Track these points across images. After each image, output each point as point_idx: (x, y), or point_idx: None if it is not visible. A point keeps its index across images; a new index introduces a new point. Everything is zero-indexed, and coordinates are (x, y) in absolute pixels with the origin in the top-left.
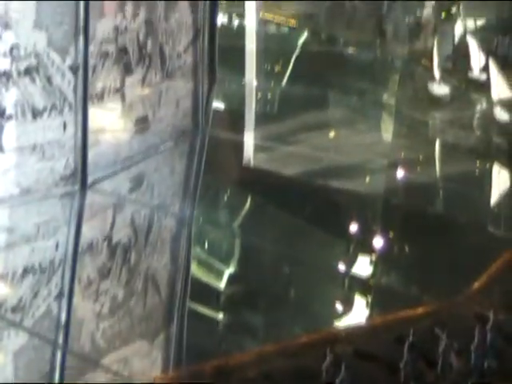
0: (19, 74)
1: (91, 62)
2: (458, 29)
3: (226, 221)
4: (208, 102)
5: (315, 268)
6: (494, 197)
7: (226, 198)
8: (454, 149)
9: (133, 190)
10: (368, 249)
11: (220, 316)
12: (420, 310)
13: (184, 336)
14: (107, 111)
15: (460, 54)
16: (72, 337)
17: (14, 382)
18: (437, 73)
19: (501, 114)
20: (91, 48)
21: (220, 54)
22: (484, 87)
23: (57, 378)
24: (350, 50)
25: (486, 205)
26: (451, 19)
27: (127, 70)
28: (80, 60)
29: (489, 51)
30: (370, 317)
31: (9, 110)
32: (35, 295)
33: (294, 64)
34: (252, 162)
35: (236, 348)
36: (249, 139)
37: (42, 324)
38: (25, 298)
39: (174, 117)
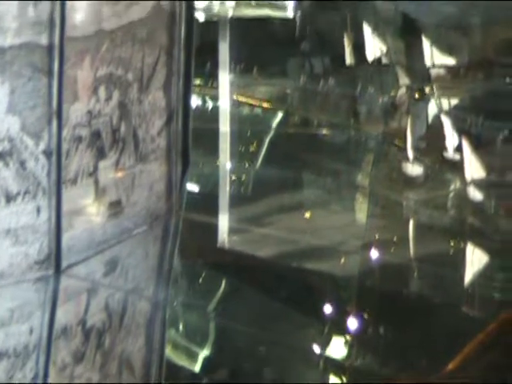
0: None
1: (64, 146)
2: (432, 109)
3: (200, 304)
4: (182, 185)
5: (291, 350)
6: (468, 277)
7: (200, 281)
8: (429, 229)
9: (107, 274)
10: (343, 330)
11: None
12: None
13: None
14: (81, 195)
15: (434, 134)
16: None
17: None
18: (410, 153)
19: (474, 194)
20: (64, 132)
21: (193, 136)
22: (458, 167)
23: None
24: (324, 132)
25: (461, 285)
26: (425, 99)
27: (100, 154)
28: (53, 144)
29: (462, 131)
30: None
31: None
32: (10, 379)
33: (267, 146)
34: (226, 245)
35: None
36: (223, 221)
37: None
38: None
39: (147, 200)
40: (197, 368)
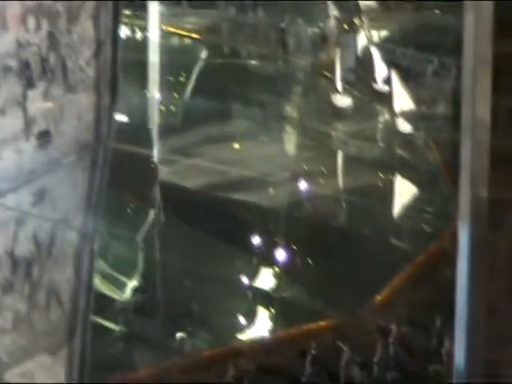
0: None
1: None
2: (361, 40)
3: (129, 234)
4: (110, 116)
5: (218, 281)
6: (397, 209)
7: (129, 212)
8: (358, 161)
9: (35, 204)
10: (271, 262)
11: (123, 329)
12: (323, 324)
13: (87, 350)
14: (9, 125)
15: (363, 66)
16: None
17: None
18: (339, 84)
19: (403, 126)
20: None
21: (122, 67)
22: (387, 99)
23: None
24: (253, 63)
25: (389, 217)
26: (354, 31)
27: (29, 84)
28: None
29: (392, 63)
30: (273, 331)
31: None
32: None
33: (197, 76)
34: (156, 174)
35: (139, 362)
36: (152, 152)
37: None
38: None
39: (76, 130)
40: (125, 298)
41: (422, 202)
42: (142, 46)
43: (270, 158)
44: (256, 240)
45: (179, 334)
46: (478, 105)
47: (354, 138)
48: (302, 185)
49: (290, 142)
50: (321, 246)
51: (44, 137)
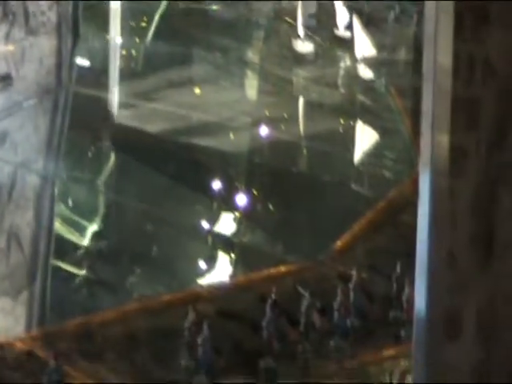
0: None
1: None
2: None
3: (89, 178)
4: (71, 60)
5: (178, 226)
6: (358, 155)
7: (90, 155)
8: (319, 106)
9: None
10: (232, 207)
11: (83, 273)
12: (283, 269)
13: (47, 294)
14: None
15: (325, 12)
16: None
17: None
18: (301, 30)
19: (364, 72)
20: None
21: (84, 11)
22: (348, 45)
23: None
24: (214, 7)
25: (350, 163)
26: None
27: None
28: None
29: (353, 8)
30: (233, 275)
31: None
32: None
33: (158, 21)
34: (116, 119)
35: (99, 306)
36: (113, 96)
37: None
38: None
39: (37, 74)
40: (85, 242)
41: (383, 149)
42: None
43: (231, 103)
44: (216, 185)
45: (138, 278)
46: (440, 51)
47: (315, 83)
48: (263, 130)
49: (251, 87)
50: (281, 192)
51: (5, 80)
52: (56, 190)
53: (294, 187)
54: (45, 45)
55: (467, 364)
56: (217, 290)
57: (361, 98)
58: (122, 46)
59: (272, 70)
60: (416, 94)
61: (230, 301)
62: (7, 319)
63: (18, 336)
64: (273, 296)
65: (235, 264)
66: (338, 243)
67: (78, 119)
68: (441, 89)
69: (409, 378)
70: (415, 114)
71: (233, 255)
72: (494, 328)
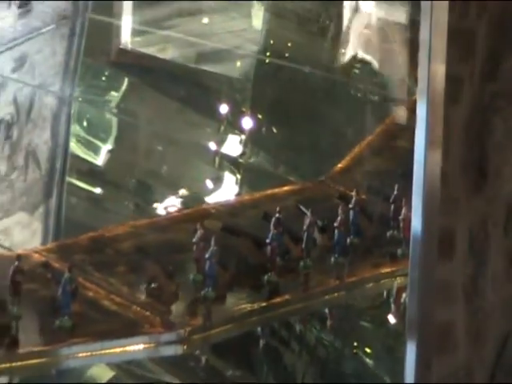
0: None
1: None
2: None
3: (103, 101)
4: None
5: (187, 146)
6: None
7: (104, 79)
8: (323, 35)
9: (16, 69)
10: (238, 130)
11: (96, 191)
12: (286, 189)
13: (63, 209)
14: None
15: None
16: None
17: None
18: None
19: (365, 4)
20: None
21: None
22: None
23: None
24: None
25: (350, 91)
26: None
27: None
28: None
29: None
30: (239, 194)
31: None
32: None
33: None
34: (129, 45)
35: (111, 222)
36: (126, 23)
37: None
38: None
39: (55, 1)
40: (99, 161)
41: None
42: None
43: (238, 32)
44: (223, 109)
45: (149, 195)
46: None
47: (319, 16)
48: (269, 57)
49: (257, 17)
50: (285, 116)
51: (25, 6)
52: (71, 111)
53: (298, 112)
54: None
55: (459, 280)
56: (223, 208)
57: (364, 31)
58: None
59: (277, 2)
60: (414, 27)
61: (236, 217)
62: (24, 233)
63: (35, 248)
64: (276, 214)
65: (241, 183)
66: (339, 165)
67: (93, 45)
68: (437, 22)
69: (404, 295)
70: (413, 47)
71: (238, 175)
72: (483, 247)
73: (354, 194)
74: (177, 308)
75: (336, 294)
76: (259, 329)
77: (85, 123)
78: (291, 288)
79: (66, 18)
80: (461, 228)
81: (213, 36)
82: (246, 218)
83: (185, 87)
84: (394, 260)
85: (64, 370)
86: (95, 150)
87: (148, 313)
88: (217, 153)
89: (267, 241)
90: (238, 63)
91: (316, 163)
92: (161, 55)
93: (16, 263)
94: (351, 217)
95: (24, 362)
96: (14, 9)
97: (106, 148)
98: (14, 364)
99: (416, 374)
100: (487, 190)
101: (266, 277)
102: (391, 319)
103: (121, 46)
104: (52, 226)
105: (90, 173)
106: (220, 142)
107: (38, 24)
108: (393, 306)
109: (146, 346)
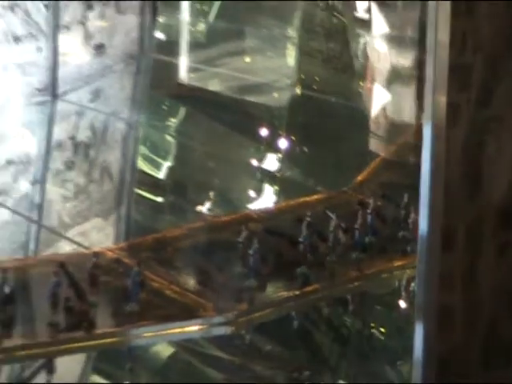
0: (4, 8)
1: None
2: None
3: (164, 125)
4: (151, 33)
5: (233, 163)
6: (373, 111)
7: (164, 108)
8: (343, 71)
9: (92, 100)
10: (275, 149)
11: (159, 199)
12: (315, 197)
13: (131, 215)
14: (72, 39)
15: None
16: (44, 214)
17: None
18: (330, 12)
19: (380, 45)
20: None
21: None
22: (367, 24)
23: (32, 248)
24: None
25: (368, 118)
26: None
27: (89, 7)
28: None
29: None
30: (277, 202)
31: None
32: (15, 181)
33: (219, 5)
34: (185, 80)
35: (171, 225)
36: (183, 62)
37: (21, 204)
38: (7, 183)
39: (124, 44)
40: (161, 175)
41: (395, 106)
42: None
43: (275, 69)
44: (264, 132)
45: (201, 203)
46: (440, 29)
47: (342, 54)
48: (300, 89)
49: (291, 56)
50: (314, 138)
51: (100, 48)
52: (138, 134)
53: (324, 134)
54: (130, 21)
55: (458, 270)
56: (264, 213)
57: (376, 65)
58: (190, 24)
59: (306, 43)
60: (421, 65)
61: (274, 221)
62: (99, 235)
63: (108, 247)
64: (307, 218)
65: (278, 193)
66: (358, 177)
67: (156, 80)
68: (440, 59)
69: (412, 284)
70: (420, 79)
71: (276, 187)
72: (478, 243)
73: (371, 201)
74: (225, 295)
75: (356, 284)
76: (293, 312)
77: (149, 144)
78: (319, 278)
79: (133, 58)
80: (459, 227)
81: (254, 72)
82: (282, 221)
83: (231, 114)
84: (404, 255)
85: (133, 347)
86: (157, 166)
87: (202, 300)
88: (258, 168)
89: (300, 240)
90: (275, 94)
91: (339, 176)
92: (212, 88)
93: (93, 259)
94: (369, 220)
95: (100, 341)
96: (91, 50)
97: (166, 164)
98: (92, 342)
99: (423, 349)
100: (481, 196)
101: (298, 269)
102: (402, 304)
103: (179, 81)
104: (122, 229)
105: (154, 185)
106: (261, 160)
107: (110, 62)
108: (403, 293)
109: (200, 327)
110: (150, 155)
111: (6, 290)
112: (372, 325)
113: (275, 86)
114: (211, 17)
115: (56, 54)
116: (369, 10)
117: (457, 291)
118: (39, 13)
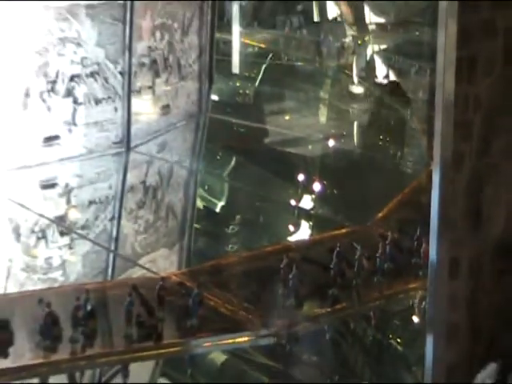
0: (87, 76)
1: (133, 69)
2: (369, 51)
3: (219, 172)
4: (208, 95)
5: (276, 203)
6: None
7: (219, 158)
8: (367, 127)
9: (159, 151)
10: (310, 191)
11: (216, 232)
12: (343, 231)
13: (192, 246)
14: (143, 101)
15: (370, 67)
16: (119, 245)
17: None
18: (355, 78)
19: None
20: (133, 60)
21: (216, 64)
22: (385, 88)
23: (109, 273)
24: (299, 63)
25: (388, 166)
26: (364, 44)
27: (156, 74)
28: (126, 67)
29: (388, 65)
30: (311, 235)
31: (80, 99)
32: (96, 218)
33: (263, 72)
34: (236, 135)
35: (225, 253)
36: (234, 120)
37: (101, 237)
38: (89, 220)
39: (186, 105)
40: (217, 211)
41: (408, 155)
42: (228, 52)
43: (310, 125)
44: (300, 177)
45: (250, 236)
46: (446, 91)
47: (364, 113)
48: (330, 142)
49: (323, 115)
50: (343, 179)
51: (165, 109)
52: (197, 179)
53: (351, 179)
54: (191, 86)
55: (462, 292)
56: (301, 244)
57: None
58: (240, 87)
59: (336, 104)
60: (430, 120)
61: (310, 251)
62: (165, 263)
63: (173, 272)
64: (337, 248)
65: (312, 228)
66: (379, 214)
67: (212, 134)
68: (447, 116)
69: (424, 303)
70: (429, 133)
71: (310, 222)
72: (479, 270)
73: (389, 234)
74: (270, 312)
75: (378, 302)
76: (326, 326)
77: (206, 187)
78: (347, 298)
79: (193, 116)
80: (463, 257)
81: (292, 128)
82: (316, 251)
83: (274, 163)
84: (417, 279)
85: (193, 355)
86: (213, 205)
87: (250, 316)
88: (296, 207)
89: (331, 266)
90: (310, 146)
91: (363, 214)
92: (258, 141)
93: (160, 283)
94: (388, 250)
95: (166, 350)
96: (158, 110)
97: (220, 204)
98: (159, 351)
99: (433, 357)
100: (481, 231)
101: (330, 291)
102: (415, 319)
103: (231, 136)
104: (184, 257)
105: (210, 220)
106: (298, 200)
107: (174, 120)
108: (416, 310)
109: (249, 338)
110: (207, 196)
111: (88, 307)
112: (390, 336)
113: (310, 140)
114: (257, 83)
115: (129, 113)
116: (387, 77)
117: (461, 310)
118: (115, 79)
